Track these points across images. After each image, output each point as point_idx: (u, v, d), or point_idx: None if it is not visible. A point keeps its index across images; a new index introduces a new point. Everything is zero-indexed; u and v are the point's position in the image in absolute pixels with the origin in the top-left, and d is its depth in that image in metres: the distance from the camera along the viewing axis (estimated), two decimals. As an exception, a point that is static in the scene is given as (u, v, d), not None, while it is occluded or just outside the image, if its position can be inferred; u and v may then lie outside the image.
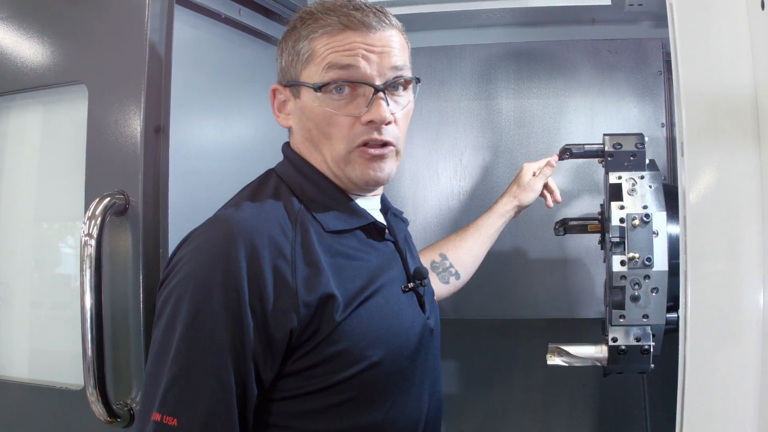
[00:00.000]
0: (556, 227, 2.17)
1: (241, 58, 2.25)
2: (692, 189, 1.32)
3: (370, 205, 1.53)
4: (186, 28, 1.92)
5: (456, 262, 1.99)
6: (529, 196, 2.06)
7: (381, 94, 1.40)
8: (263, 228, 1.31)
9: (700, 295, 1.32)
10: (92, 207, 1.60)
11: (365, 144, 1.41)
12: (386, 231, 1.54)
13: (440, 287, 1.95)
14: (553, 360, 1.97)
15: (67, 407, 1.73)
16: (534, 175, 2.07)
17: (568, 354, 1.96)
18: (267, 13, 2.34)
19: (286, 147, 1.54)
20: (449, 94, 2.70)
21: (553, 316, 2.59)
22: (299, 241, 1.34)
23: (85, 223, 1.60)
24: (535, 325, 2.63)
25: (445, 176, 2.71)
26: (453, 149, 2.70)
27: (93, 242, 1.59)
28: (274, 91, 1.51)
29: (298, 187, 1.45)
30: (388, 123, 1.41)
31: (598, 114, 2.59)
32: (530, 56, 2.64)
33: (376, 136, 1.41)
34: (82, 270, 1.59)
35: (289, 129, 1.53)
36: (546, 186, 2.10)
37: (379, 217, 1.56)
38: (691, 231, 1.32)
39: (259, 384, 1.28)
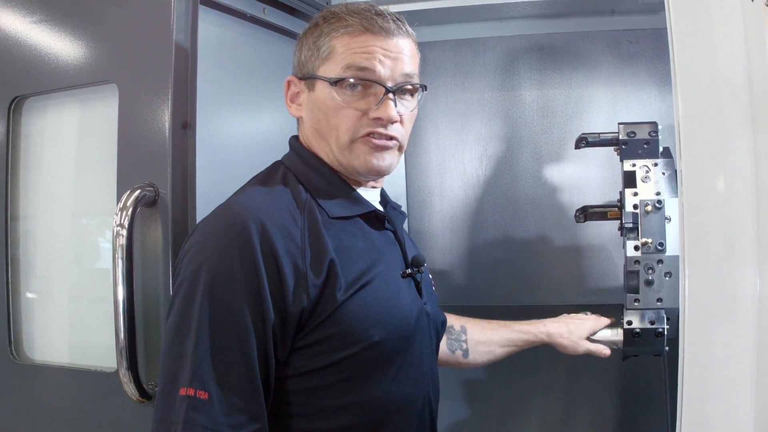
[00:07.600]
0: (577, 214, 2.20)
1: (267, 54, 2.31)
2: (688, 174, 1.35)
3: (371, 197, 1.61)
4: (211, 27, 1.99)
5: (471, 341, 2.00)
6: (567, 348, 2.03)
7: (390, 95, 1.49)
8: (274, 214, 1.40)
9: (697, 277, 1.34)
10: (123, 198, 1.67)
11: (369, 135, 1.50)
12: (386, 221, 1.62)
13: (445, 352, 1.97)
14: (570, 343, 2.02)
15: (101, 388, 1.80)
16: (588, 338, 2.03)
17: (584, 337, 2.02)
18: (292, 11, 2.38)
19: (294, 140, 1.63)
20: (474, 85, 2.74)
21: (579, 302, 2.61)
22: (307, 227, 1.43)
23: (117, 214, 1.66)
24: (561, 311, 2.64)
25: (471, 166, 2.75)
26: (478, 139, 2.74)
27: (124, 232, 1.65)
28: (288, 83, 1.60)
29: (304, 177, 1.54)
30: (394, 122, 1.51)
31: (619, 103, 2.61)
32: (552, 47, 2.66)
33: (381, 130, 1.50)
34: (114, 258, 1.66)
35: (299, 120, 1.62)
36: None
37: (380, 209, 1.64)
38: (688, 215, 1.35)
39: (276, 358, 1.37)
